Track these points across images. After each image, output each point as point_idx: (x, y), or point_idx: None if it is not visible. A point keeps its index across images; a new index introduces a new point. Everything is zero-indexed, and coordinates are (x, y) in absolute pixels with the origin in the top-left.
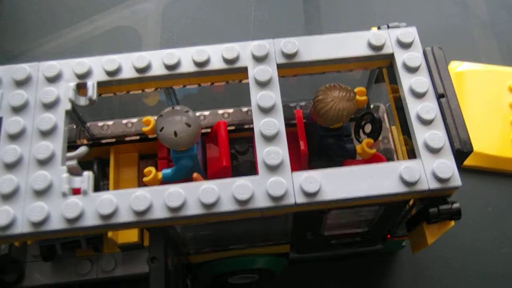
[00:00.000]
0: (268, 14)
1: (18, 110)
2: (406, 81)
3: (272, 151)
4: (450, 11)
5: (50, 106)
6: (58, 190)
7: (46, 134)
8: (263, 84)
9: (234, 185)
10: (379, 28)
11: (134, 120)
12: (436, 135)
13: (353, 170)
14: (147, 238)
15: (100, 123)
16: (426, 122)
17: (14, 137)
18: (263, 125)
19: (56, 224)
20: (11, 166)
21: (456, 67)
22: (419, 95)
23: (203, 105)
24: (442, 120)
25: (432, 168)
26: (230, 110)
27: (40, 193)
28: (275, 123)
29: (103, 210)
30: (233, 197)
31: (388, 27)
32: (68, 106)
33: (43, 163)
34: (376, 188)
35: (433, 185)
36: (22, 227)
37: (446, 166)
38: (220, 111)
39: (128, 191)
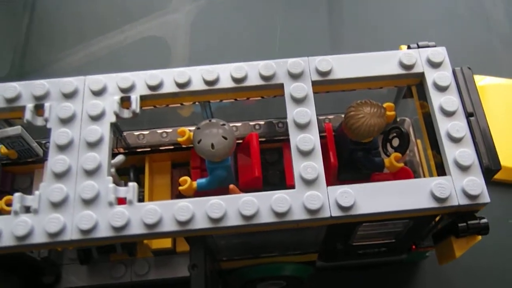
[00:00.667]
0: (293, 26)
1: (66, 122)
2: (436, 100)
3: (309, 166)
4: (472, 26)
5: (96, 118)
6: (105, 200)
7: (93, 145)
8: (299, 101)
9: (273, 198)
10: (409, 47)
11: (169, 130)
12: (466, 153)
13: (386, 185)
14: (179, 244)
15: (136, 133)
16: (456, 140)
17: (63, 148)
18: (299, 140)
19: (103, 232)
20: (60, 176)
21: (478, 82)
22: (449, 114)
23: (235, 116)
24: (471, 138)
25: (461, 185)
26: (261, 122)
27: (88, 202)
28: (311, 139)
29: (148, 220)
30: (272, 209)
31: (418, 46)
32: (113, 119)
33: (91, 173)
34: (408, 203)
35: (463, 201)
36: (71, 234)
37: (476, 183)
38: (252, 123)
39: (172, 202)
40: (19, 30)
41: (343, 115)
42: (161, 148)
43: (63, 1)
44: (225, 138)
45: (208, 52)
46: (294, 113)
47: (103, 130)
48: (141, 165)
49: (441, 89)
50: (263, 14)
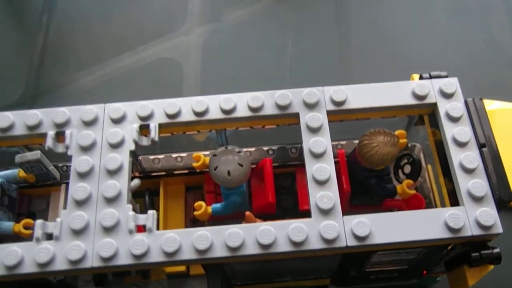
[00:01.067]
0: (303, 48)
1: (86, 149)
2: (449, 130)
3: (325, 196)
4: (481, 49)
5: (116, 146)
6: (125, 227)
7: (113, 173)
8: (314, 130)
9: (290, 227)
10: (421, 77)
11: (184, 154)
12: (479, 184)
13: (401, 215)
14: (193, 268)
15: (152, 157)
16: (469, 171)
17: (83, 176)
18: (315, 170)
19: (124, 259)
20: (81, 203)
21: (488, 106)
22: (461, 144)
23: (249, 141)
24: (484, 169)
25: (475, 215)
26: (275, 147)
27: (109, 230)
28: (326, 169)
29: (167, 248)
30: (289, 238)
31: (430, 76)
32: (132, 147)
33: (111, 201)
34: (423, 233)
35: (476, 231)
36: (92, 262)
37: (489, 214)
38: (265, 148)
39: (191, 230)
40: (33, 50)
41: (355, 141)
42: (175, 172)
43: (77, 22)
44: (241, 165)
45: (219, 74)
46: (310, 142)
47: (122, 158)
48: (155, 188)
49: (454, 120)
50: (273, 36)
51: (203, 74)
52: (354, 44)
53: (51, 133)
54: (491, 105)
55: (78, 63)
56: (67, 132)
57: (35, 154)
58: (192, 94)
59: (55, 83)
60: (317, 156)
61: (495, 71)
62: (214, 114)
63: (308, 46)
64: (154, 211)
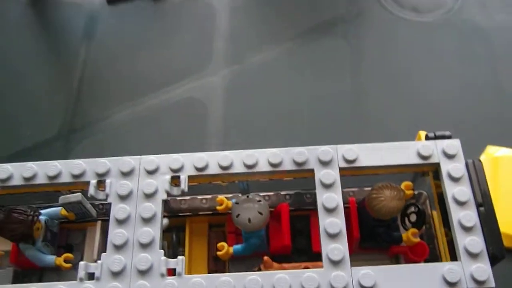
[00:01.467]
0: (321, 95)
1: (124, 198)
2: (450, 190)
3: (336, 248)
4: (487, 96)
5: (150, 196)
6: (158, 271)
7: (147, 220)
8: (327, 186)
9: (303, 276)
10: (427, 136)
11: (208, 196)
12: (475, 241)
13: (405, 268)
14: None
15: (179, 198)
16: (467, 229)
17: (121, 222)
18: (327, 224)
19: None
20: (119, 248)
21: (494, 153)
22: (461, 203)
23: (268, 187)
24: (480, 227)
25: (470, 270)
26: (291, 192)
27: (143, 273)
28: (337, 223)
29: None
30: (302, 286)
31: (435, 136)
32: (164, 196)
33: (145, 246)
34: (423, 286)
35: (471, 285)
36: None
37: (483, 269)
38: (283, 193)
39: (215, 276)
40: (70, 87)
41: (366, 188)
42: (200, 212)
43: (111, 60)
44: (261, 213)
45: (242, 115)
46: (324, 198)
47: (155, 207)
48: (181, 225)
49: (455, 180)
50: (291, 79)
51: (227, 113)
52: (368, 89)
53: (93, 182)
54: (497, 152)
55: (111, 100)
56: (107, 181)
57: (77, 197)
58: (216, 132)
59: (89, 120)
60: (329, 211)
61: (502, 118)
62: (238, 168)
63: (325, 90)
64: (183, 257)
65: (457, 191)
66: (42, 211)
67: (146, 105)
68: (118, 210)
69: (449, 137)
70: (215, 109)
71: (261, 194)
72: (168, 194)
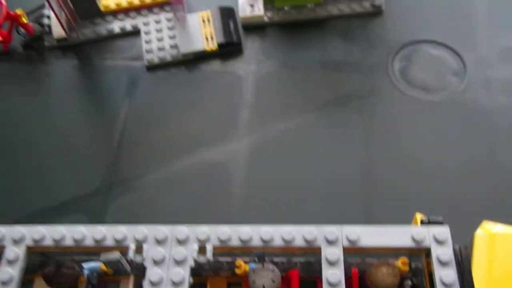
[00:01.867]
0: (332, 167)
1: (157, 263)
2: (438, 272)
3: None
4: (487, 172)
5: (180, 262)
6: None
7: (176, 285)
8: (332, 263)
9: None
10: (422, 221)
11: (228, 259)
12: None
13: None
14: None
15: None
16: None
17: (154, 285)
18: None
19: None
20: None
21: (491, 228)
22: (447, 285)
23: (281, 254)
24: None
25: None
26: (302, 260)
27: None
28: None
29: None
30: None
31: (429, 221)
32: (192, 264)
33: None
34: None
35: None
36: None
37: None
38: (294, 260)
39: None
40: (110, 147)
41: (367, 259)
42: (220, 273)
43: (147, 124)
44: (273, 281)
45: (263, 181)
46: (328, 273)
47: (184, 273)
48: (203, 283)
49: (443, 263)
50: (309, 150)
51: (249, 179)
52: (377, 162)
53: (133, 246)
54: (494, 228)
55: (145, 160)
56: (145, 247)
57: (116, 255)
58: (239, 196)
59: (125, 178)
60: (332, 285)
61: (501, 194)
62: (255, 242)
63: (338, 162)
64: None
65: (444, 274)
66: (84, 265)
67: (175, 167)
68: (152, 273)
69: (441, 223)
70: (239, 175)
71: (275, 259)
72: (195, 261)
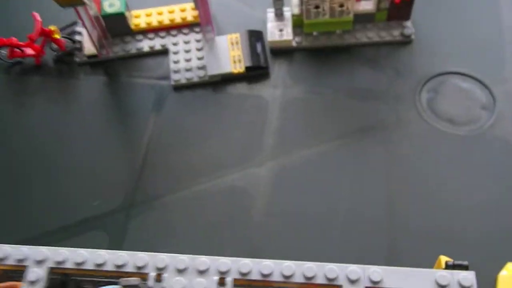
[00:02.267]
0: (356, 196)
1: None
2: None
3: None
4: (508, 210)
5: None
6: None
7: None
8: None
9: None
10: (446, 264)
11: None
12: None
13: None
14: None
15: None
16: None
17: None
18: None
19: None
20: None
21: None
22: None
23: None
24: None
25: None
26: None
27: None
28: None
29: None
30: None
31: (454, 264)
32: None
33: None
34: None
35: None
36: None
37: None
38: None
39: None
40: (134, 165)
41: None
42: None
43: (171, 144)
44: None
45: (285, 207)
46: None
47: None
48: None
49: None
50: (331, 178)
51: (270, 204)
52: (400, 196)
53: (152, 274)
54: None
55: (167, 180)
56: (164, 275)
57: (136, 280)
58: (259, 220)
59: (147, 196)
60: None
61: None
62: (276, 277)
63: (360, 194)
64: None
65: None
66: None
67: (194, 190)
68: None
69: (466, 267)
70: (260, 200)
71: None
72: None
